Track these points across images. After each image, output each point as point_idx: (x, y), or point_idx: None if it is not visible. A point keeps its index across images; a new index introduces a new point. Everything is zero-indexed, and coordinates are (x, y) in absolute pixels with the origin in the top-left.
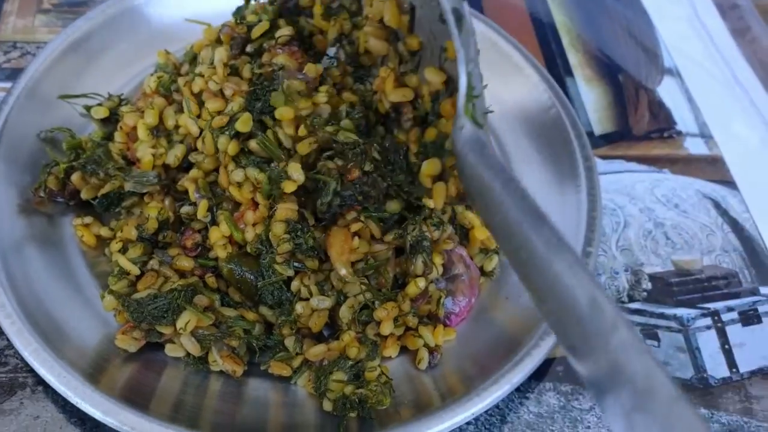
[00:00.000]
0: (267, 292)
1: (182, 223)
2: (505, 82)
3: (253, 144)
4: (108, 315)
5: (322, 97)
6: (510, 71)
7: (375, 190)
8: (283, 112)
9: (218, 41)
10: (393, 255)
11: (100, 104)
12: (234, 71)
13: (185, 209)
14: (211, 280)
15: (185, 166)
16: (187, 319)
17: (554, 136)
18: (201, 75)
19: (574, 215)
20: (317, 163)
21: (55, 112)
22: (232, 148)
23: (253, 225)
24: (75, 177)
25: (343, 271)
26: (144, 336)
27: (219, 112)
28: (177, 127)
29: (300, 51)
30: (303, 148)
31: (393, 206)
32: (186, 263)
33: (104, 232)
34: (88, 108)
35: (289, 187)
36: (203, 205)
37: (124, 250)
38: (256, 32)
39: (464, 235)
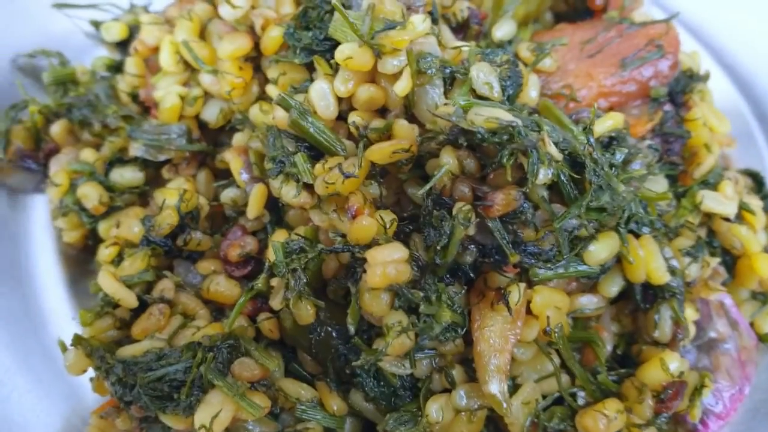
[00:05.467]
0: (367, 377)
1: (226, 218)
2: None
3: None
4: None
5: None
6: None
7: (554, 235)
8: (351, 52)
9: None
10: (609, 308)
11: (116, 19)
12: None
13: (229, 194)
14: (270, 324)
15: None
16: (216, 408)
17: None
18: None
19: None
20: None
21: (44, 27)
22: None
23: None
24: (57, 128)
25: (494, 389)
26: (137, 426)
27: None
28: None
29: None
30: (378, 155)
31: (604, 249)
32: (227, 289)
33: (103, 227)
34: (96, 24)
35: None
36: (258, 193)
37: (118, 261)
38: None
39: (725, 266)
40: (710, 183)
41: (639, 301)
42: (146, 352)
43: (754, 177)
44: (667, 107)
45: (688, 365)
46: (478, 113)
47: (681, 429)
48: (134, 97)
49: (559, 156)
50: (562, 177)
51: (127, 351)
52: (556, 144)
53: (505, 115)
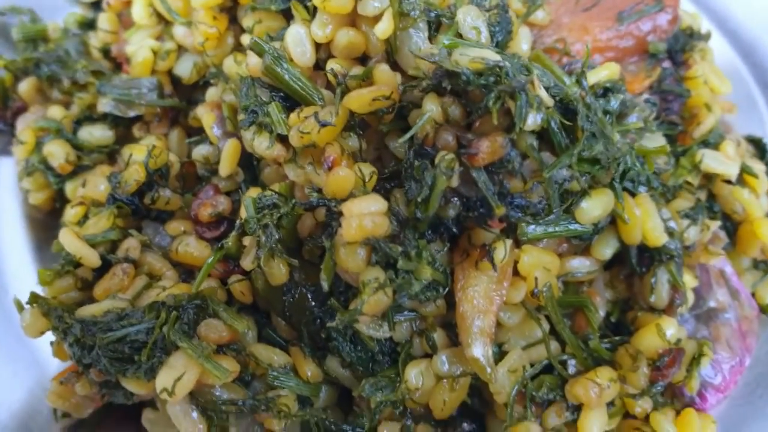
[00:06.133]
0: (343, 341)
1: (198, 179)
2: None
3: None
4: (43, 344)
5: None
6: None
7: (542, 186)
8: None
9: None
10: (602, 273)
11: None
12: None
13: (201, 151)
14: (242, 287)
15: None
16: (179, 371)
17: None
18: None
19: None
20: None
21: None
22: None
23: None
24: (25, 86)
25: (477, 353)
26: (98, 392)
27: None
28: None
29: None
30: (357, 103)
31: (597, 206)
32: (197, 250)
33: (70, 188)
34: None
35: None
36: (231, 148)
37: (84, 222)
38: None
39: (726, 233)
40: (711, 144)
41: (634, 264)
42: (107, 312)
43: (756, 143)
44: (666, 64)
45: (686, 334)
46: (464, 53)
47: (678, 402)
48: (106, 52)
49: (549, 101)
50: (553, 124)
51: (87, 311)
52: (546, 89)
53: (491, 56)
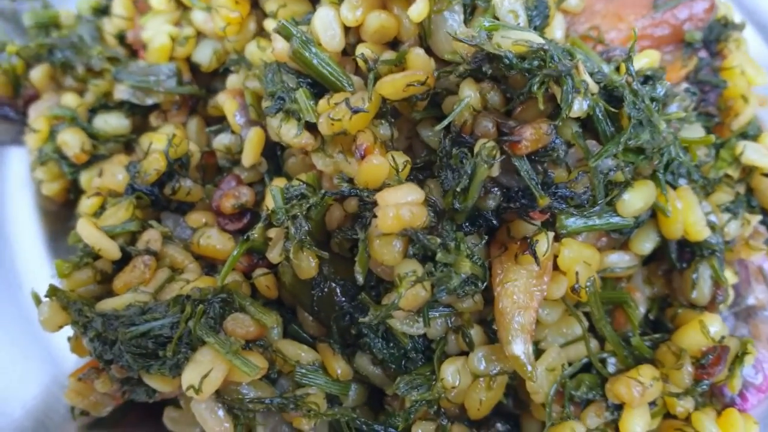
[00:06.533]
0: (374, 337)
1: (219, 170)
2: None
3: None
4: (59, 339)
5: None
6: None
7: (588, 176)
8: None
9: None
10: (641, 268)
11: None
12: None
13: (223, 140)
14: (267, 281)
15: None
16: (206, 367)
17: None
18: None
19: None
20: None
21: None
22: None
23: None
24: (38, 73)
25: (517, 350)
26: (119, 389)
27: None
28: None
29: None
30: (390, 89)
31: (639, 198)
32: (219, 243)
33: (85, 178)
34: None
35: None
36: (255, 137)
37: (101, 213)
38: None
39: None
40: (749, 136)
41: (675, 259)
42: (129, 306)
43: None
44: (702, 54)
45: (728, 331)
46: (506, 36)
47: (717, 402)
48: (121, 39)
49: (595, 87)
50: (598, 112)
51: (108, 304)
52: (591, 75)
53: (536, 38)
